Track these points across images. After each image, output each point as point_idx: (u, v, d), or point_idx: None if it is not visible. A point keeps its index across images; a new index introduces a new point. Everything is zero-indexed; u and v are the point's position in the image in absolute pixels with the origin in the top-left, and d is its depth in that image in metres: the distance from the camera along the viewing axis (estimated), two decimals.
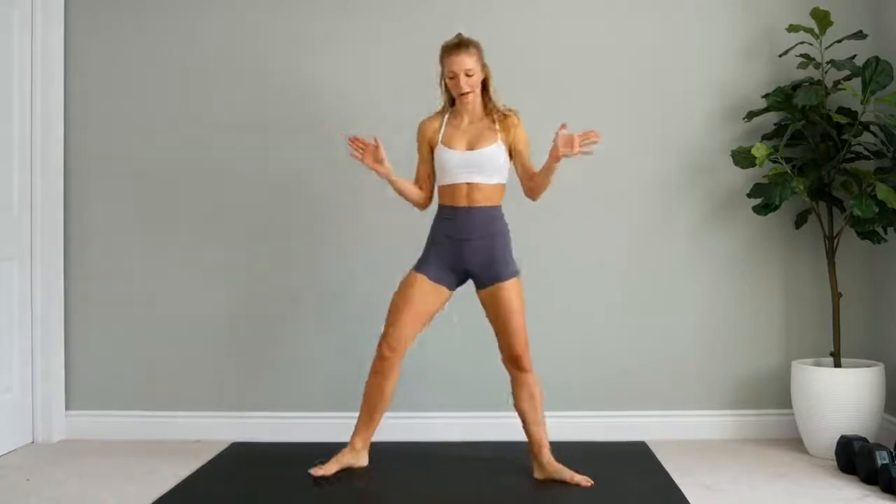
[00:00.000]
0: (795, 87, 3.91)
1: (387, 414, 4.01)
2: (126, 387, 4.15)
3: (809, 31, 3.84)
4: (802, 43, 3.94)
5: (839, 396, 3.69)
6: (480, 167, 3.41)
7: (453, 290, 3.50)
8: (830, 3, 3.90)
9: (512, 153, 3.49)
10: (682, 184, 4.12)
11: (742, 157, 3.85)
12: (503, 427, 3.95)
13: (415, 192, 3.55)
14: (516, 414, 3.51)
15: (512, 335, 3.41)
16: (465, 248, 3.42)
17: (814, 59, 3.89)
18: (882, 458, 3.32)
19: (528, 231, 4.01)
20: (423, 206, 3.58)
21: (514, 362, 3.44)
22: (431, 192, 3.57)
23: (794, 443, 3.96)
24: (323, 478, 3.43)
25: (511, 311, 3.41)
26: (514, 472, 3.53)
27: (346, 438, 3.54)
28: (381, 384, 3.45)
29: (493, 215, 3.45)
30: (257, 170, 4.15)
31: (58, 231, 4.12)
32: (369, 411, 3.49)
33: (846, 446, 3.52)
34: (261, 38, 4.16)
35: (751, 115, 3.98)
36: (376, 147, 3.46)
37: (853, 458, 3.47)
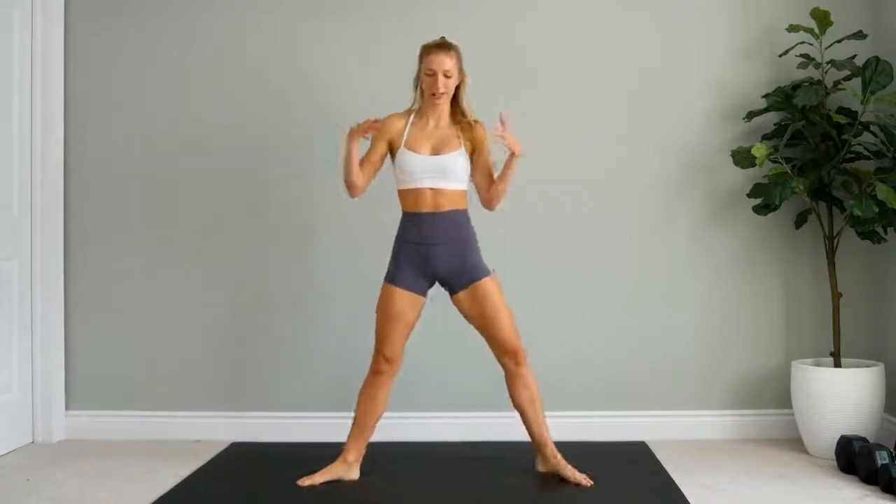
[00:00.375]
0: (795, 87, 3.91)
1: (386, 414, 4.01)
2: (126, 387, 4.15)
3: (809, 31, 3.84)
4: (802, 43, 3.94)
5: (839, 396, 3.69)
6: (444, 173, 3.38)
7: (425, 296, 3.46)
8: (830, 3, 3.90)
9: (473, 158, 3.44)
10: (682, 184, 4.12)
11: (742, 157, 3.85)
12: (503, 427, 3.96)
13: (358, 171, 3.43)
14: (517, 413, 3.49)
15: (503, 330, 3.39)
16: (432, 252, 3.40)
17: (814, 59, 3.89)
18: (882, 458, 3.32)
19: (527, 231, 4.03)
20: (357, 192, 3.47)
21: (510, 357, 3.41)
22: (368, 183, 3.48)
23: (794, 443, 3.96)
24: (310, 487, 3.38)
25: (496, 306, 3.39)
26: (514, 472, 3.53)
27: (345, 438, 3.53)
28: (376, 396, 3.43)
29: (458, 220, 3.42)
30: (257, 169, 4.15)
31: (58, 231, 4.12)
32: (363, 425, 3.46)
33: (846, 446, 3.52)
34: (261, 37, 4.16)
35: (751, 115, 3.98)
36: (375, 120, 3.40)
37: (853, 458, 3.47)
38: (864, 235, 3.78)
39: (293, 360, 4.14)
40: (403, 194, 3.46)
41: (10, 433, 3.94)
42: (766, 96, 3.94)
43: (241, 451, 3.92)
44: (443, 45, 3.41)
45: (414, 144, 3.42)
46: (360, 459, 3.49)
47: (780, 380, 4.06)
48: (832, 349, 3.88)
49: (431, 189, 3.39)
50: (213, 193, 4.16)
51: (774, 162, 3.83)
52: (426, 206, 3.40)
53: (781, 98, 3.89)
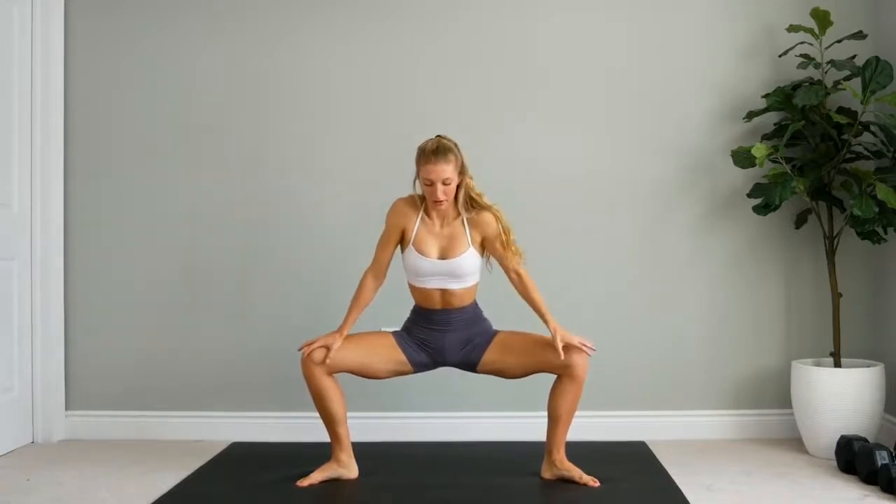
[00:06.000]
0: (795, 87, 3.91)
1: (384, 414, 4.02)
2: (126, 387, 4.15)
3: (809, 31, 3.84)
4: (802, 43, 3.94)
5: (839, 396, 3.69)
6: (453, 274, 3.33)
7: (413, 367, 3.41)
8: (830, 3, 3.90)
9: (487, 246, 3.37)
10: (682, 184, 4.12)
11: (742, 157, 3.84)
12: (503, 427, 3.96)
13: (365, 303, 3.42)
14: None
15: (548, 346, 3.30)
16: (445, 339, 3.39)
17: (814, 59, 3.89)
18: (882, 458, 3.32)
19: (528, 231, 4.02)
20: (382, 280, 3.45)
21: (577, 360, 3.29)
22: (385, 275, 3.43)
23: (794, 443, 3.96)
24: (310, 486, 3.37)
25: (526, 334, 3.37)
26: (513, 472, 3.52)
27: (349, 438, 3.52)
28: (320, 403, 3.35)
29: (469, 316, 3.41)
30: (259, 170, 4.15)
31: (58, 231, 4.12)
32: (331, 428, 3.39)
33: (846, 446, 3.52)
34: (261, 37, 4.15)
35: (751, 115, 3.98)
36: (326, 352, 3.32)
37: (853, 458, 3.47)
38: (863, 235, 3.78)
39: (293, 359, 4.13)
40: (413, 289, 3.43)
41: (10, 433, 3.94)
42: (766, 96, 3.94)
43: (241, 451, 3.92)
44: (440, 152, 3.24)
45: (422, 245, 3.34)
46: (353, 456, 3.45)
47: (780, 380, 4.06)
48: (832, 349, 3.88)
49: (440, 290, 3.36)
50: (212, 193, 4.15)
51: (774, 162, 3.83)
52: (436, 305, 3.38)
53: (781, 98, 3.89)
